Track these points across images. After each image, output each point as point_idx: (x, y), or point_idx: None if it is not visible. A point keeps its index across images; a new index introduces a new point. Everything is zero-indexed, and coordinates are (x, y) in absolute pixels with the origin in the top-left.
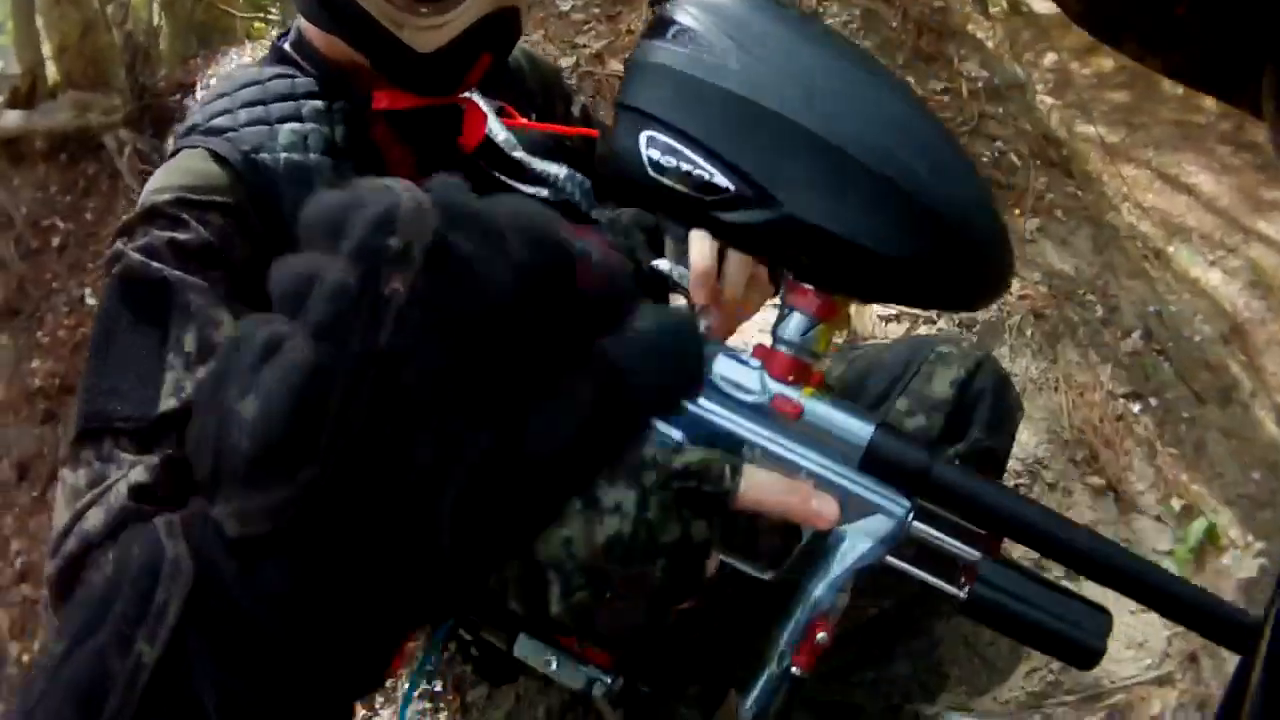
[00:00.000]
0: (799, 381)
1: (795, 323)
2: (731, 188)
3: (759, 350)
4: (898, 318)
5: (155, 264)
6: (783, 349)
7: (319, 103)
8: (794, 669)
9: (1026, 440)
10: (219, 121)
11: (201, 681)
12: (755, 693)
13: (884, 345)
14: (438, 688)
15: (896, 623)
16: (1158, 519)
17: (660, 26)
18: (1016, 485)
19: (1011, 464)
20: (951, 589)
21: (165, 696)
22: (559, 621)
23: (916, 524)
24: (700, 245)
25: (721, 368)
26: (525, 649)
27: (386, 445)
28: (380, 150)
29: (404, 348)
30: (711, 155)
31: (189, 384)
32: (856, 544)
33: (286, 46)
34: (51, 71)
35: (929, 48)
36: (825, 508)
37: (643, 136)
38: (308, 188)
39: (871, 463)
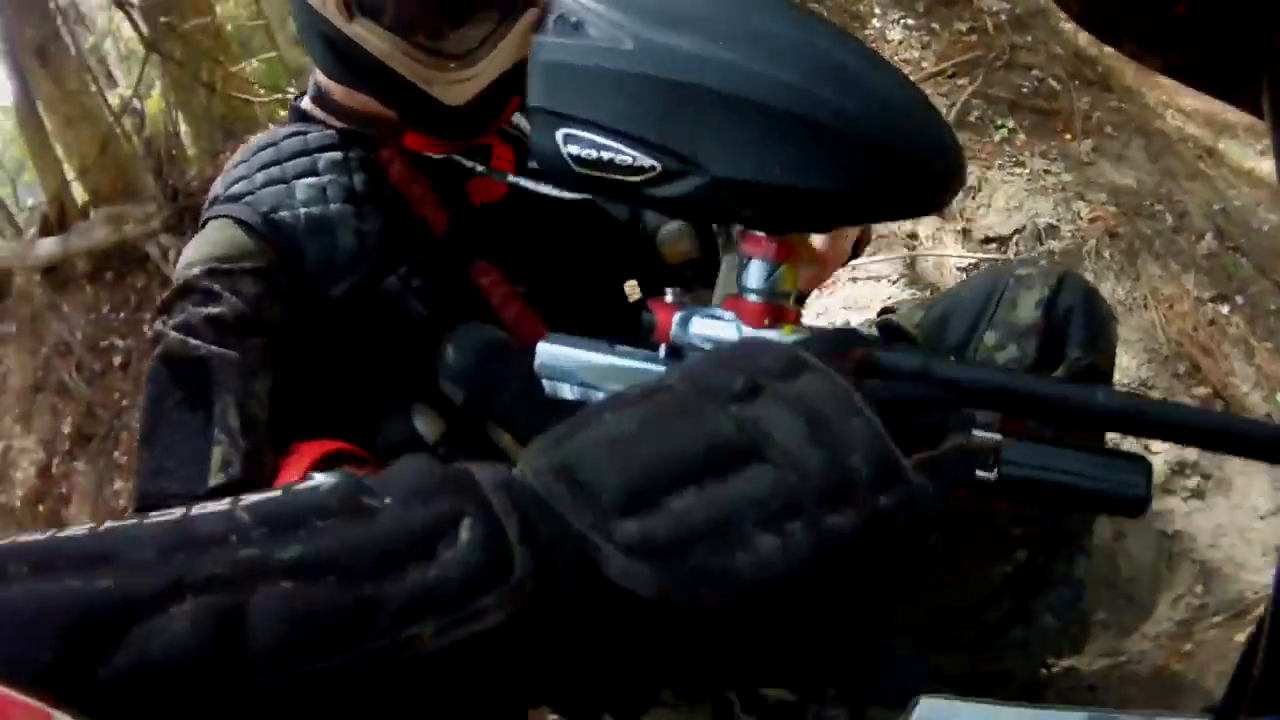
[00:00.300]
0: (775, 324)
1: (756, 270)
2: (657, 165)
3: (729, 303)
4: (978, 266)
5: (194, 341)
6: (751, 297)
7: (335, 154)
8: None
9: (1127, 364)
10: (237, 188)
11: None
12: None
13: (961, 283)
14: None
15: (1035, 578)
16: (1267, 416)
17: (548, 20)
18: None
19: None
20: (983, 475)
21: (404, 687)
22: None
23: None
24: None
25: (697, 327)
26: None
27: None
28: (400, 191)
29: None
30: (628, 138)
31: (236, 459)
32: None
33: (305, 104)
34: (78, 191)
35: None
36: None
37: (559, 135)
38: (330, 237)
39: (866, 375)
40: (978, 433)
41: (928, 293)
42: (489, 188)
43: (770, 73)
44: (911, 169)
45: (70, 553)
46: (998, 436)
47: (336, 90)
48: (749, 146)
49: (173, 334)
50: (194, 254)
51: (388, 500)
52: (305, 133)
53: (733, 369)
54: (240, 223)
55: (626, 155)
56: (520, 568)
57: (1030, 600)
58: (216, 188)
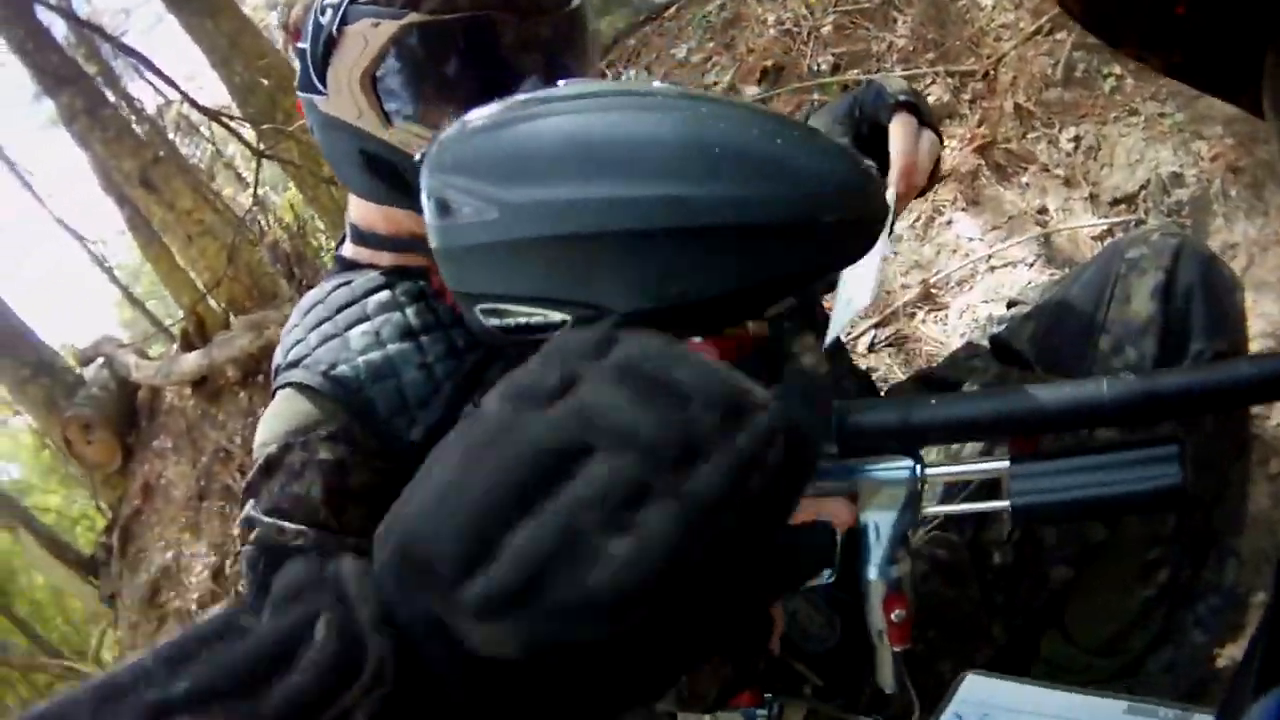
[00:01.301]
0: None
1: None
2: (566, 316)
3: None
4: (1110, 232)
5: (290, 527)
6: None
7: (383, 294)
8: (896, 648)
9: (1268, 308)
10: (295, 353)
11: None
12: (886, 676)
13: (1071, 276)
14: None
15: (1181, 594)
16: None
17: (427, 204)
18: None
19: (1260, 341)
20: (999, 504)
21: None
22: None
23: (930, 471)
24: (904, 139)
25: None
26: None
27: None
28: (457, 312)
29: (754, 530)
30: (531, 301)
31: None
32: (881, 523)
33: (347, 252)
34: (213, 303)
35: None
36: (836, 513)
37: (478, 312)
38: (394, 380)
39: (848, 442)
40: (980, 465)
41: (1066, 269)
42: None
43: (629, 193)
44: (808, 230)
45: None
46: (1002, 465)
47: (377, 221)
48: (640, 275)
49: (266, 520)
50: (268, 432)
51: (265, 613)
52: (350, 281)
53: (545, 365)
54: (304, 388)
55: (538, 315)
56: (374, 655)
57: (1176, 617)
58: (277, 357)
